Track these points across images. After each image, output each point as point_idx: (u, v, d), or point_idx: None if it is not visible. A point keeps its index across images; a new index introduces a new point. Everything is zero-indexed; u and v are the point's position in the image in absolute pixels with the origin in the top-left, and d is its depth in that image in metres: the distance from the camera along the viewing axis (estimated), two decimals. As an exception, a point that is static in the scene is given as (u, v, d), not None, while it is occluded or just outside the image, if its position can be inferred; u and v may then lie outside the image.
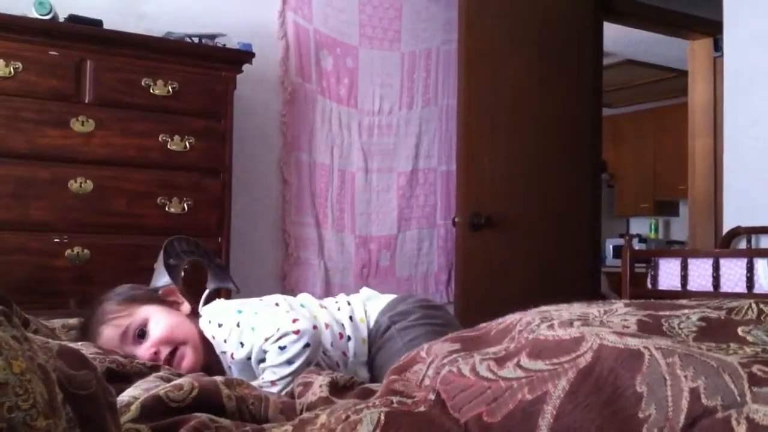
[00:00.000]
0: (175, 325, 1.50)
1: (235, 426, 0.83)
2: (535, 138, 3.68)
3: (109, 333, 1.47)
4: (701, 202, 5.19)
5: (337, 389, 0.98)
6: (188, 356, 1.46)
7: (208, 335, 1.49)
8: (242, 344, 1.40)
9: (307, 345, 1.33)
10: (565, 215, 3.75)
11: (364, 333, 1.56)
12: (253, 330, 1.39)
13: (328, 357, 1.50)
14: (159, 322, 1.48)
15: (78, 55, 2.77)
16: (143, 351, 1.45)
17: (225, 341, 1.44)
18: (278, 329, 1.34)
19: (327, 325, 1.51)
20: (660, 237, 8.69)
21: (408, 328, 1.53)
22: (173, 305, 1.57)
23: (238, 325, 1.42)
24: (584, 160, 3.89)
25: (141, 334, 1.47)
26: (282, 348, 1.33)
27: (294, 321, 1.36)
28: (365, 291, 1.69)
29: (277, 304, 1.54)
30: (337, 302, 1.61)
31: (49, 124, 2.70)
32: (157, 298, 1.57)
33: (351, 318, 1.55)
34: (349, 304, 1.59)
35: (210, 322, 1.50)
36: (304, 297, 1.63)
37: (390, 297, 1.65)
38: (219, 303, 1.58)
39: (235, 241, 3.10)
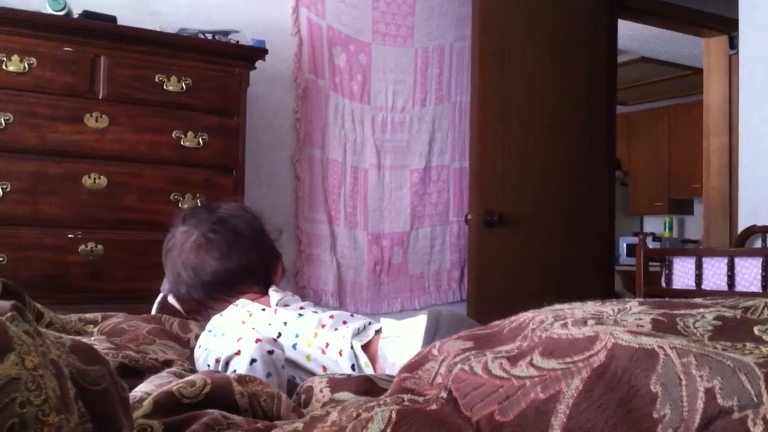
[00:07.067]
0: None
1: (247, 423, 0.83)
2: (549, 135, 3.67)
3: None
4: (716, 201, 5.16)
5: (336, 382, 0.98)
6: None
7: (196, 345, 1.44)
8: (209, 366, 1.33)
9: (253, 360, 1.24)
10: (579, 213, 3.74)
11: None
12: (210, 351, 1.34)
13: None
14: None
15: (92, 51, 2.78)
16: None
17: (197, 359, 1.38)
18: (223, 352, 1.29)
19: (324, 368, 1.35)
20: (674, 235, 8.65)
21: None
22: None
23: (206, 349, 1.36)
24: (598, 158, 3.87)
25: None
26: (234, 371, 1.24)
27: (238, 340, 1.28)
28: (382, 324, 1.43)
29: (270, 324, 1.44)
30: (340, 347, 1.37)
31: (63, 119, 2.71)
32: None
33: (353, 367, 1.33)
34: (352, 348, 1.35)
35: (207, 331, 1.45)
36: (304, 322, 1.43)
37: (403, 333, 1.37)
38: (216, 317, 1.48)
39: (248, 237, 3.10)
